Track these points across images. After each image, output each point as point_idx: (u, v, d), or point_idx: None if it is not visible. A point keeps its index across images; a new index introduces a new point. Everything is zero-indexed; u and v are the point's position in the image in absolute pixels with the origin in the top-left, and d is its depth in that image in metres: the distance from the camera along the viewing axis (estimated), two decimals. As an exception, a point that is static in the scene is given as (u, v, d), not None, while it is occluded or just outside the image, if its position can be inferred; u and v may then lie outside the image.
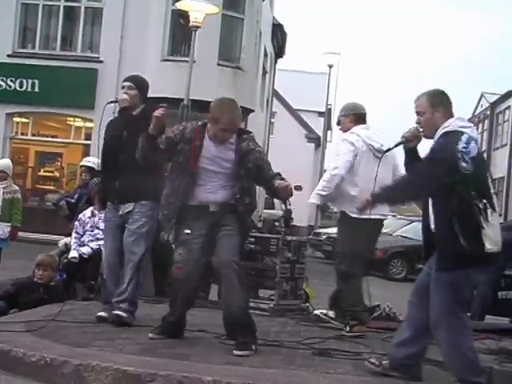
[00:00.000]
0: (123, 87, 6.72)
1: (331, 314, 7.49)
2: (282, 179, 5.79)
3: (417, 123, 5.23)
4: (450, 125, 4.99)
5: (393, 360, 5.22)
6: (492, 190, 4.93)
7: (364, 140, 7.21)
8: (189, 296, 5.98)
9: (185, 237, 5.88)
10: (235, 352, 5.53)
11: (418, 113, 5.18)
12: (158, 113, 5.82)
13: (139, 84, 6.76)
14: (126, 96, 6.63)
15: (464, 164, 4.74)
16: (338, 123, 7.69)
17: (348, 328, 6.95)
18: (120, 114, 6.83)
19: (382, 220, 7.31)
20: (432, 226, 4.97)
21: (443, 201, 4.85)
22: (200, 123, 5.90)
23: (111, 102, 6.78)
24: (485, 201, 4.77)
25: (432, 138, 5.05)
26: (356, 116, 7.52)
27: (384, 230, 25.35)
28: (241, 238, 5.91)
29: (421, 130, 5.19)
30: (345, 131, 7.50)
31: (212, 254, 5.76)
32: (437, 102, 5.11)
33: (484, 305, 8.59)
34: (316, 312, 8.00)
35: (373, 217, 6.60)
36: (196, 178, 5.80)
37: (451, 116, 5.08)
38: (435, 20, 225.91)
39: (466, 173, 4.74)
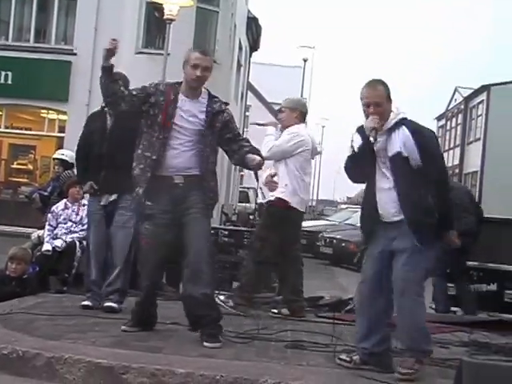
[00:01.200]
0: None
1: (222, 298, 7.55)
2: (252, 148, 5.88)
3: (369, 114, 5.23)
4: (401, 112, 5.25)
5: (362, 354, 5.28)
6: None
7: (312, 141, 7.56)
8: (155, 272, 5.97)
9: (150, 210, 5.89)
10: (205, 344, 5.55)
11: (377, 104, 5.20)
12: (110, 44, 5.91)
13: (125, 81, 6.79)
14: None
15: None
16: (280, 112, 7.70)
17: (233, 304, 7.31)
18: (103, 108, 6.92)
19: (303, 212, 7.65)
20: (391, 205, 5.18)
21: (421, 180, 5.11)
22: (173, 82, 5.98)
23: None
24: None
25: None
26: (302, 114, 7.61)
27: (358, 224, 25.23)
28: (209, 220, 5.92)
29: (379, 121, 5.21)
30: (286, 126, 7.52)
31: (177, 233, 5.75)
32: (389, 92, 5.26)
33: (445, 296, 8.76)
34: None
35: (298, 208, 7.36)
36: (167, 133, 5.75)
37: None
38: (411, 11, 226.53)
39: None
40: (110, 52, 5.85)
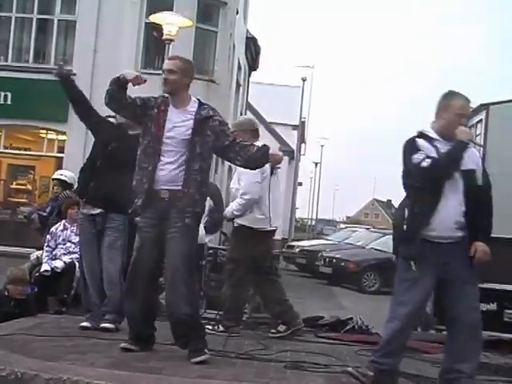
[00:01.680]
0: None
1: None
2: (244, 145, 5.96)
3: (461, 124, 5.43)
4: None
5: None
6: None
7: None
8: (143, 287, 5.87)
9: (139, 223, 5.97)
10: (192, 360, 5.57)
11: (467, 117, 5.50)
12: (138, 79, 6.00)
13: None
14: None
15: None
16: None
17: (221, 328, 7.28)
18: (114, 126, 7.11)
19: (274, 230, 7.70)
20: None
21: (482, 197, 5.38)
22: (165, 95, 6.07)
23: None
24: None
25: None
26: (253, 132, 7.62)
27: (357, 243, 25.52)
28: (189, 239, 5.84)
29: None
30: None
31: (162, 249, 5.78)
32: None
33: None
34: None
35: (269, 228, 7.48)
36: (160, 145, 5.80)
37: None
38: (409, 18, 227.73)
39: None
40: (133, 82, 5.97)
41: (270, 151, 6.10)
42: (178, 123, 5.86)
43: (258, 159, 6.02)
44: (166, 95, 6.03)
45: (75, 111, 7.16)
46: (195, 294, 6.17)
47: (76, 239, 8.35)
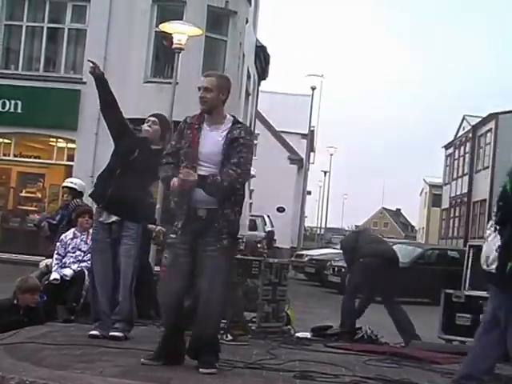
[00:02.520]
0: (148, 121, 7.11)
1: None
2: (221, 179, 5.67)
3: None
4: None
5: None
6: None
7: None
8: (174, 305, 5.80)
9: (172, 239, 5.92)
10: (201, 370, 5.55)
11: None
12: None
13: (162, 122, 7.19)
14: (148, 129, 7.07)
15: None
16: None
17: (230, 337, 7.27)
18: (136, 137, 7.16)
19: None
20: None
21: None
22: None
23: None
24: None
25: None
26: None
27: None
28: (227, 257, 5.81)
29: None
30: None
31: (195, 265, 5.72)
32: None
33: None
34: (297, 334, 8.00)
35: None
36: (194, 162, 5.73)
37: None
38: (416, 38, 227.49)
39: None
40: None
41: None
42: (212, 142, 5.79)
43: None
44: (198, 113, 5.96)
45: (103, 114, 7.17)
46: (222, 312, 6.11)
47: (85, 247, 8.36)
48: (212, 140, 5.80)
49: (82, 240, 8.45)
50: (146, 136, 7.05)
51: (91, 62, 7.04)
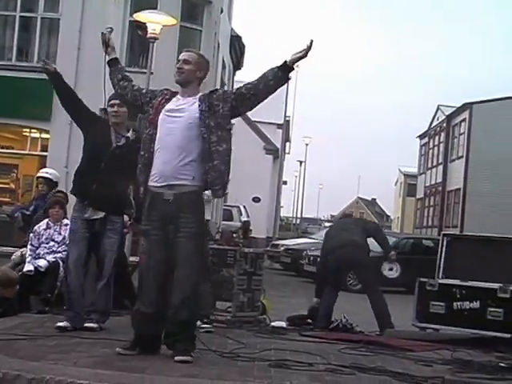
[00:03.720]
0: (113, 105, 6.92)
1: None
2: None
3: None
4: None
5: None
6: None
7: None
8: (154, 292, 5.80)
9: (145, 226, 5.93)
10: (176, 358, 5.54)
11: None
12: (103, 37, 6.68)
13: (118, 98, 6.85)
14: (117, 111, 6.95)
15: None
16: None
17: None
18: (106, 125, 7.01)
19: None
20: None
21: None
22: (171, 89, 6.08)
23: None
24: None
25: None
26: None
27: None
28: (199, 240, 5.85)
29: None
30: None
31: (169, 250, 5.73)
32: None
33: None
34: (273, 324, 8.02)
35: None
36: (155, 129, 5.78)
37: None
38: (391, 28, 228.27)
39: None
40: (105, 45, 6.54)
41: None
42: (183, 108, 5.81)
43: (276, 79, 5.79)
44: (175, 90, 6.00)
45: (64, 106, 7.06)
46: (198, 297, 6.01)
47: (59, 238, 8.32)
48: (184, 106, 5.83)
49: (55, 230, 8.42)
50: (117, 122, 6.93)
51: (43, 61, 7.01)
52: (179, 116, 5.79)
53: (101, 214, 6.83)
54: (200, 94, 5.92)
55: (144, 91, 6.14)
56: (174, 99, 5.90)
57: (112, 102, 6.94)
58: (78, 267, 6.84)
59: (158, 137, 5.78)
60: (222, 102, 5.83)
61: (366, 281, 9.56)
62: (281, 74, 5.78)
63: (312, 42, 5.71)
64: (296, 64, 5.83)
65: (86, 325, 6.70)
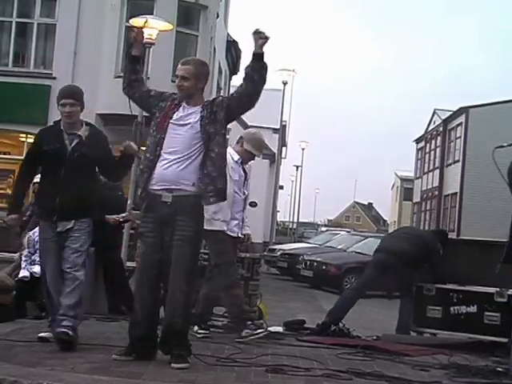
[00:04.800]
0: (64, 105, 6.42)
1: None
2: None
3: None
4: None
5: None
6: None
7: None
8: (149, 295, 5.81)
9: (142, 228, 5.94)
10: (173, 365, 5.54)
11: None
12: (135, 33, 6.18)
13: (80, 98, 6.53)
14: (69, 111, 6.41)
15: None
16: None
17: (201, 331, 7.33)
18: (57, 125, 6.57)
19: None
20: None
21: None
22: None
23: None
24: None
25: None
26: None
27: (338, 246, 25.58)
28: (195, 245, 5.87)
29: None
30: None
31: (164, 254, 5.74)
32: None
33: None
34: (270, 329, 8.00)
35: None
36: (164, 133, 5.84)
37: None
38: (387, 35, 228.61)
39: None
40: (137, 39, 6.20)
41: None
42: (189, 117, 5.89)
43: (252, 71, 5.89)
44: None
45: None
46: (190, 303, 6.00)
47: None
48: (189, 115, 5.89)
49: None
50: (70, 122, 6.40)
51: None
52: (185, 124, 5.87)
53: (72, 223, 6.32)
54: (205, 100, 6.01)
55: (152, 93, 6.13)
56: (181, 107, 5.95)
57: (63, 101, 6.43)
58: (54, 275, 6.33)
59: (163, 142, 5.83)
60: (220, 107, 5.91)
61: None
62: (256, 65, 5.86)
63: (257, 29, 5.91)
64: (262, 48, 5.90)
65: (61, 330, 6.05)
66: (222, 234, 7.36)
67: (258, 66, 5.86)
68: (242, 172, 7.64)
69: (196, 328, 7.35)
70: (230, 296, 7.37)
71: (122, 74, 6.60)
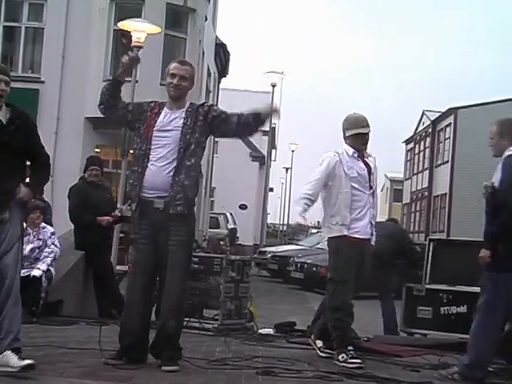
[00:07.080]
0: None
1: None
2: (232, 113, 5.93)
3: None
4: None
5: None
6: None
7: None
8: (140, 301, 5.79)
9: (134, 235, 5.89)
10: (164, 368, 5.54)
11: None
12: (130, 55, 6.07)
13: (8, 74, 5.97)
14: None
15: None
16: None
17: None
18: None
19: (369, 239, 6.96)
20: None
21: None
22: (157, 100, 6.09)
23: None
24: None
25: None
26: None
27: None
28: (189, 250, 5.90)
29: None
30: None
31: (158, 258, 5.72)
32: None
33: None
34: (260, 331, 8.00)
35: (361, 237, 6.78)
36: (149, 144, 5.77)
37: None
38: (376, 37, 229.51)
39: None
40: (129, 65, 6.10)
41: (266, 108, 6.05)
42: (172, 123, 5.82)
43: (249, 123, 5.92)
44: (160, 101, 6.02)
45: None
46: (183, 307, 5.96)
47: (39, 243, 8.30)
48: (173, 121, 5.83)
49: (34, 237, 8.36)
50: None
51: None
52: (168, 130, 5.81)
53: (7, 213, 5.36)
54: (187, 105, 5.94)
55: (130, 108, 6.03)
56: (163, 113, 5.89)
57: None
58: None
59: (149, 153, 5.79)
60: (204, 119, 5.86)
61: None
62: (258, 122, 5.94)
63: (276, 107, 6.18)
64: (266, 120, 5.98)
65: (7, 353, 5.20)
66: (340, 240, 6.81)
67: (258, 123, 5.96)
68: (362, 165, 6.90)
69: (320, 343, 6.99)
70: (334, 319, 6.71)
71: (110, 78, 6.52)
